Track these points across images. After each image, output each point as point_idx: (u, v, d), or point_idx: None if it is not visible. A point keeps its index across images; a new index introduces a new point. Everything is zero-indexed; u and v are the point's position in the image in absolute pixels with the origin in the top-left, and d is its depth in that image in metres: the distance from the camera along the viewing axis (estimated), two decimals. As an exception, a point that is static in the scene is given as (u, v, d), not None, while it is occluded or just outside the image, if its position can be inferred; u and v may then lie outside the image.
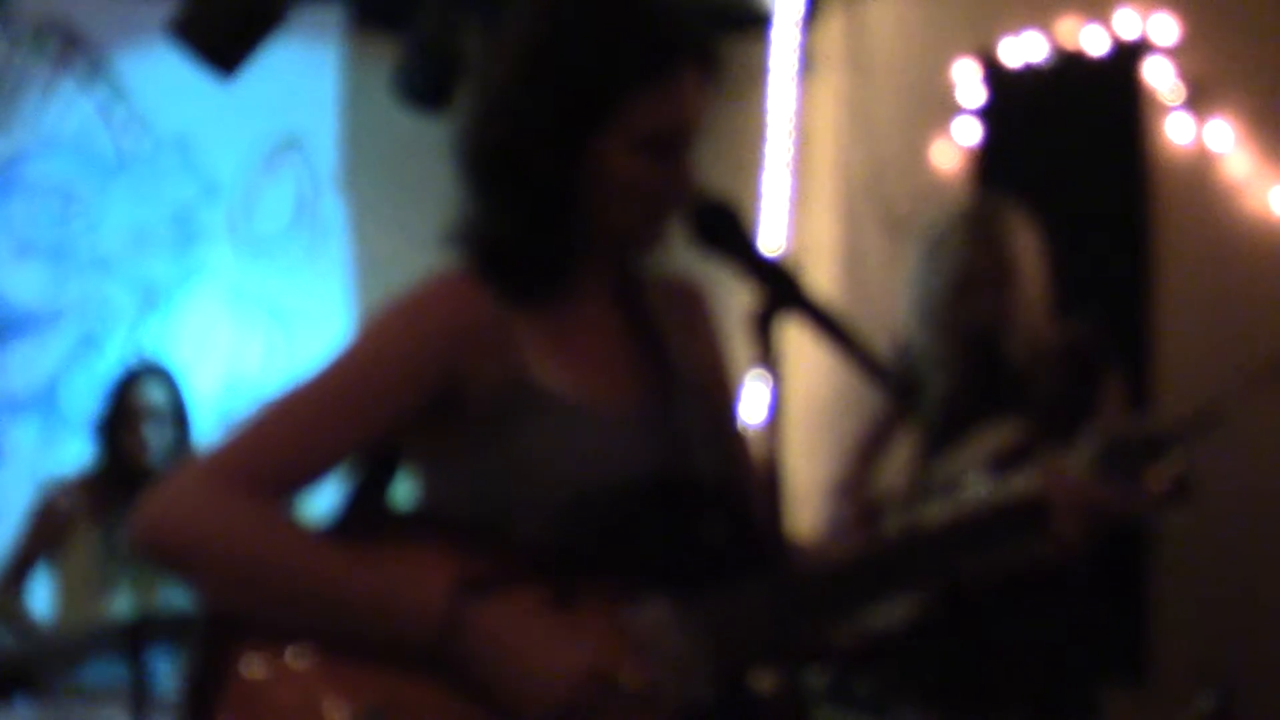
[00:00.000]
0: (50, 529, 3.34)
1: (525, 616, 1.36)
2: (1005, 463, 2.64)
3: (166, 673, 2.90)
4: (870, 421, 3.08)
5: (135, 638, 2.67)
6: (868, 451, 3.07)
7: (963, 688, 2.80)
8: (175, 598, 3.18)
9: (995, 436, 2.78)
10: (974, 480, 2.73)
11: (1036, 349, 2.85)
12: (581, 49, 1.41)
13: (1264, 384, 2.41)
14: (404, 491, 1.54)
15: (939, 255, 2.87)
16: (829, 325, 1.36)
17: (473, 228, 1.46)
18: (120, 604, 3.11)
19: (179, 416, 3.41)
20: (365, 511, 1.49)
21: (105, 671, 3.09)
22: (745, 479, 1.61)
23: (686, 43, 1.42)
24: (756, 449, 2.94)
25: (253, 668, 1.34)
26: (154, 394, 3.39)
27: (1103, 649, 2.97)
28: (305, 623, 1.34)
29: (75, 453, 4.02)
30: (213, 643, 1.35)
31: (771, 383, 1.30)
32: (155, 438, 3.34)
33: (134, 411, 3.36)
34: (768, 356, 1.31)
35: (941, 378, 2.87)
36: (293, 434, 1.38)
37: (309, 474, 1.39)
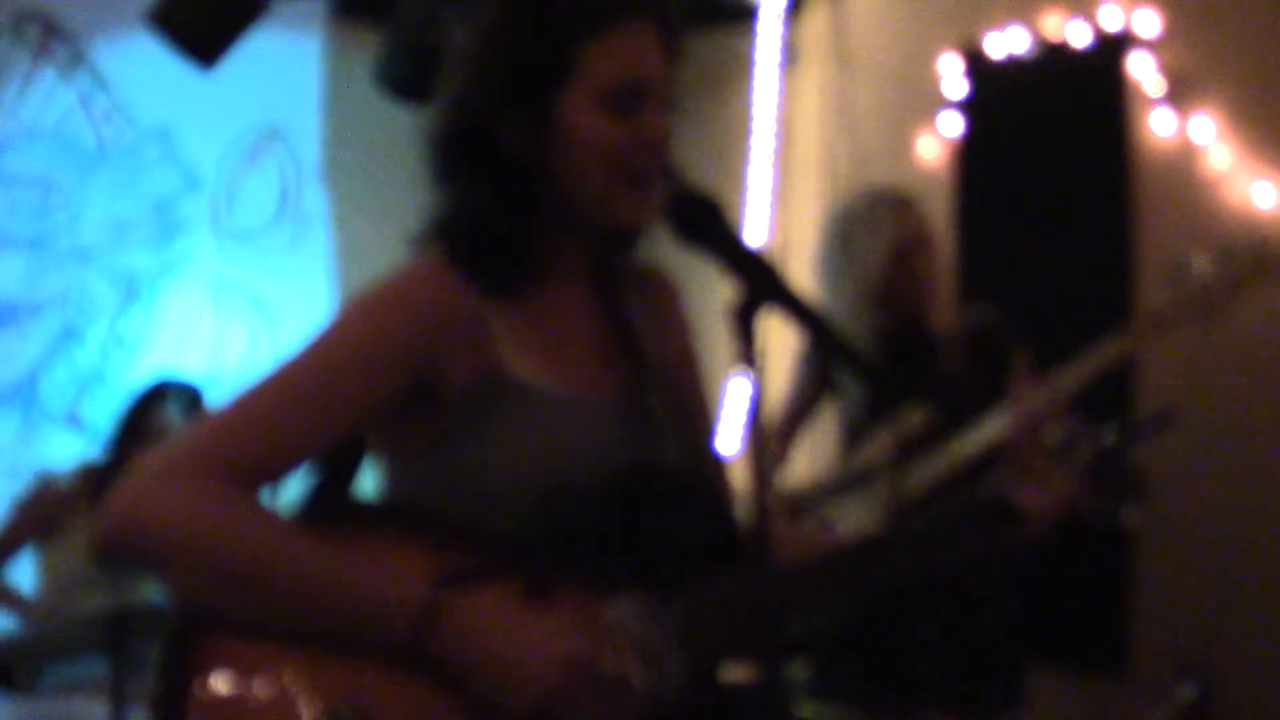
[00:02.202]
0: (42, 512, 3.32)
1: (502, 608, 1.35)
2: (916, 446, 2.71)
3: (147, 667, 2.89)
4: (791, 397, 3.13)
5: (116, 632, 2.65)
6: (790, 427, 3.11)
7: (888, 679, 2.85)
8: (158, 594, 3.16)
9: (907, 420, 2.83)
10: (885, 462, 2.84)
11: (948, 332, 2.94)
12: (533, 6, 1.42)
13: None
14: (368, 483, 1.52)
15: (865, 235, 2.91)
16: (810, 319, 1.36)
17: (446, 214, 1.46)
18: (103, 600, 3.08)
19: None
20: (330, 503, 1.46)
21: (86, 666, 3.08)
22: (716, 470, 1.61)
23: None
24: (739, 442, 2.95)
25: (224, 662, 1.31)
26: (176, 415, 3.38)
27: (1028, 637, 3.05)
28: (277, 616, 1.32)
29: (55, 445, 4.01)
30: (184, 637, 1.32)
31: (753, 376, 1.30)
32: None
33: (150, 429, 3.34)
34: (749, 350, 1.30)
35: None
36: (267, 424, 1.35)
37: (284, 464, 1.37)
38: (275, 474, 1.36)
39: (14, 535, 3.33)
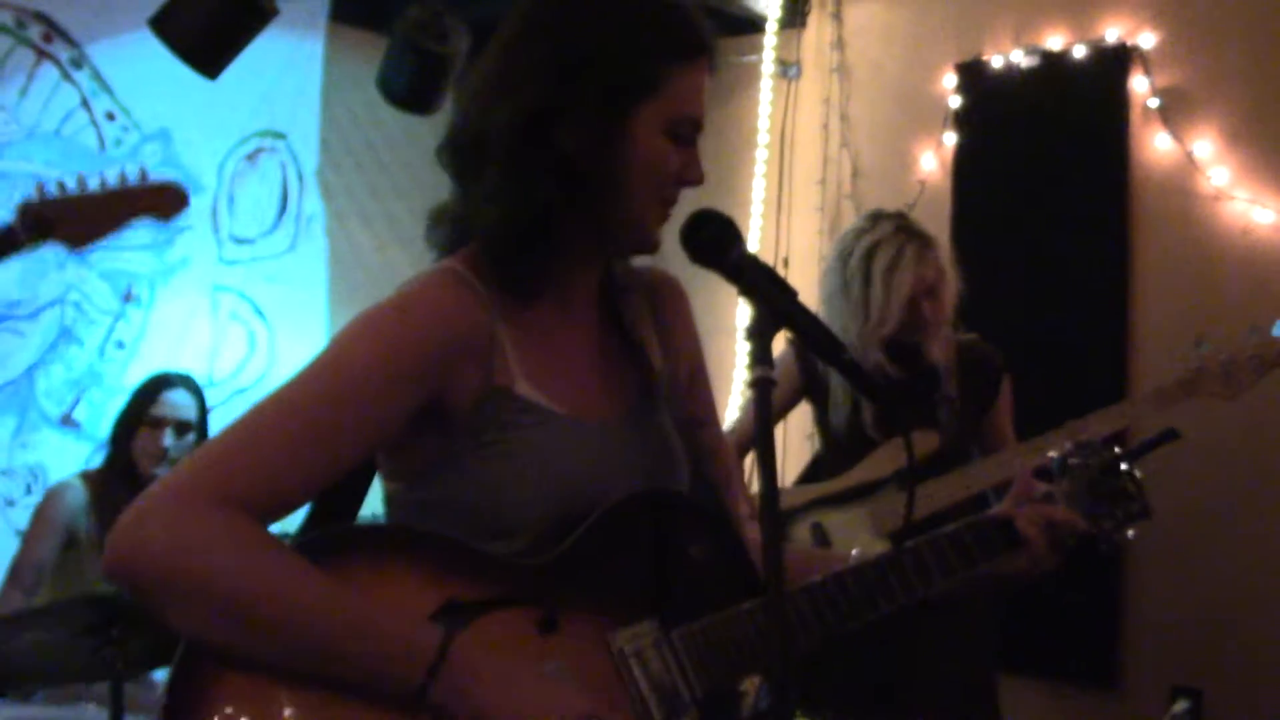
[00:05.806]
0: (54, 527, 3.24)
1: (509, 656, 1.32)
2: (921, 469, 2.75)
3: (143, 673, 2.88)
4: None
5: (108, 619, 2.59)
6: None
7: (870, 692, 2.87)
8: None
9: (907, 443, 2.87)
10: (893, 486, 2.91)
11: (946, 358, 3.01)
12: (640, 19, 1.42)
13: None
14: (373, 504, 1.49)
15: (886, 276, 2.94)
16: (824, 341, 1.36)
17: (468, 211, 1.43)
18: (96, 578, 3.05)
19: (201, 428, 3.34)
20: (337, 525, 1.41)
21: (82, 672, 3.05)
22: (724, 488, 1.61)
23: (708, 34, 1.46)
24: (747, 457, 2.93)
25: (229, 696, 1.25)
26: (179, 402, 3.34)
27: (1003, 649, 3.07)
28: (285, 655, 1.26)
29: (52, 447, 3.99)
30: (189, 669, 1.25)
31: (765, 393, 1.29)
32: (174, 448, 3.26)
33: (154, 419, 3.30)
34: (763, 368, 1.29)
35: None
36: (282, 452, 1.28)
37: (297, 496, 1.31)
38: (288, 506, 1.30)
39: (34, 553, 3.22)
